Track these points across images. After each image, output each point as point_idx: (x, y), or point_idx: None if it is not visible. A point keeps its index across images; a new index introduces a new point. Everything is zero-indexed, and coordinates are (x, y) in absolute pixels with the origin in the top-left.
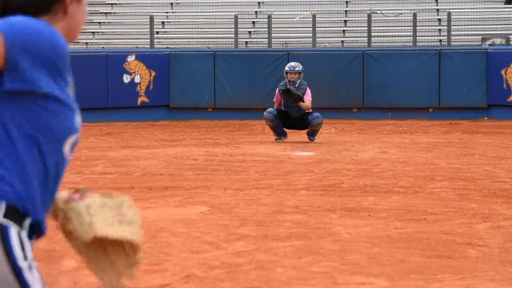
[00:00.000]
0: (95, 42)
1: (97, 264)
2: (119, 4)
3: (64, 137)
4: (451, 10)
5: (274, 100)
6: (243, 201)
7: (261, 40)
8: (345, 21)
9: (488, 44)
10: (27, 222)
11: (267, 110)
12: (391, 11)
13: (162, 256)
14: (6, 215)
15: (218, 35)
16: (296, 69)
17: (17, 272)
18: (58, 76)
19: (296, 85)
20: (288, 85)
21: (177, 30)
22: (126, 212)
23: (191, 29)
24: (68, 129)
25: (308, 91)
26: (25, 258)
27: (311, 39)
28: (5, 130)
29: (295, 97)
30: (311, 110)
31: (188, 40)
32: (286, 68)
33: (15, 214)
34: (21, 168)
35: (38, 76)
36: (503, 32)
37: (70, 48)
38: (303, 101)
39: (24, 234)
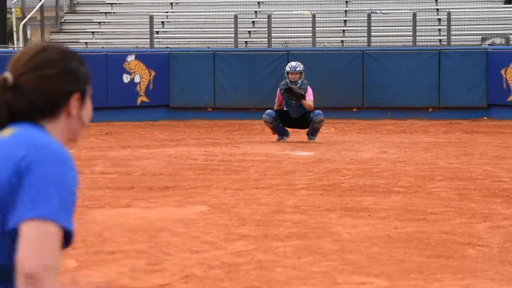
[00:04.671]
0: (95, 42)
1: None
2: (119, 3)
3: None
4: (451, 10)
5: (275, 100)
6: (243, 201)
7: (261, 40)
8: (345, 21)
9: (488, 44)
10: None
11: (265, 112)
12: (391, 11)
13: (162, 256)
14: None
15: (218, 35)
16: (297, 69)
17: None
18: None
19: (298, 85)
20: (289, 84)
21: (177, 30)
22: None
23: (191, 29)
24: None
25: (310, 90)
26: None
27: (311, 39)
28: None
29: (298, 95)
30: (313, 109)
31: (188, 40)
32: (287, 68)
33: None
34: None
35: None
36: (503, 32)
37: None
38: (305, 100)
39: None
